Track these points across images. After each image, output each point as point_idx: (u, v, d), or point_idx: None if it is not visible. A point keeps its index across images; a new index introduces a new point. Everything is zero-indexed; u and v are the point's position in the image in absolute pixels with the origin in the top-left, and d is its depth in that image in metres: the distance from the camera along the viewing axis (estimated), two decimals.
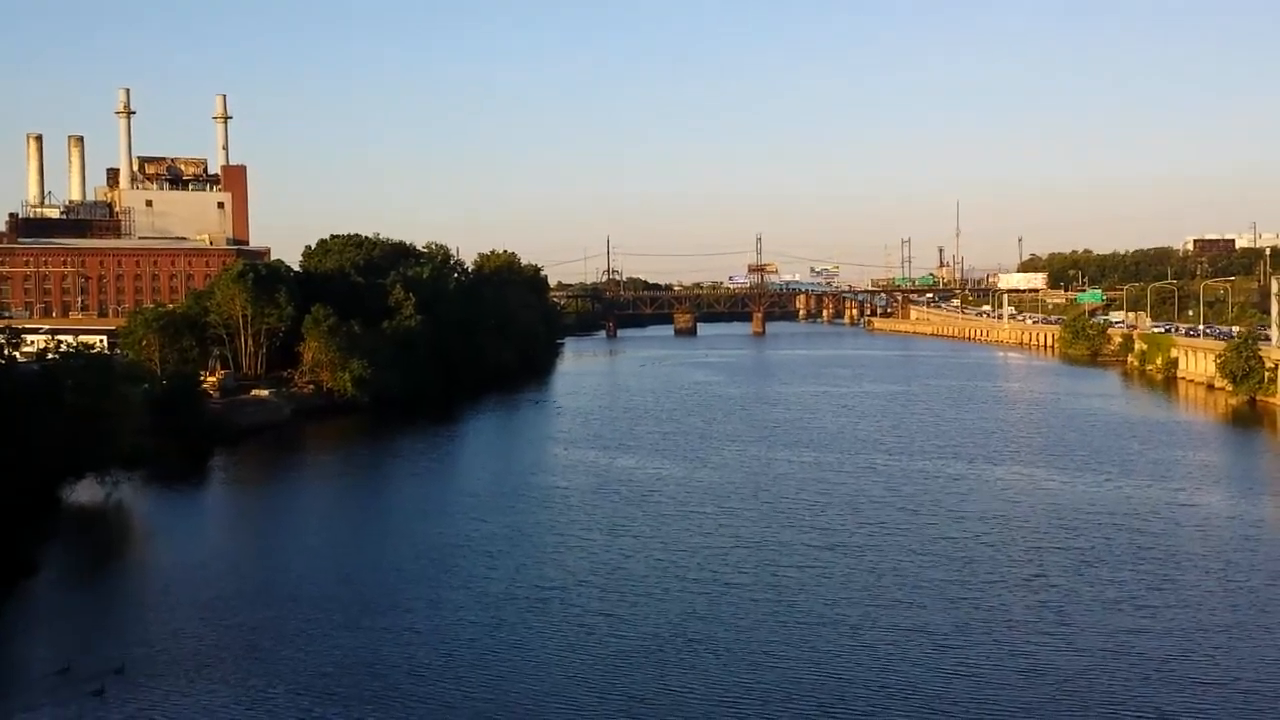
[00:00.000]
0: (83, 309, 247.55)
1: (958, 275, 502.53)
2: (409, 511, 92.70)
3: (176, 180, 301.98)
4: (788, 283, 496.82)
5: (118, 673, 52.09)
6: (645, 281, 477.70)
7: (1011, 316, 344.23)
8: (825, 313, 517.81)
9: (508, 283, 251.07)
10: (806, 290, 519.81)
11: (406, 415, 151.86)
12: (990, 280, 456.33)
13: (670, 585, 66.91)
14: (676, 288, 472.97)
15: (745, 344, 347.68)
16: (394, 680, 51.29)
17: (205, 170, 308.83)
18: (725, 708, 48.07)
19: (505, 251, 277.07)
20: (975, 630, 57.96)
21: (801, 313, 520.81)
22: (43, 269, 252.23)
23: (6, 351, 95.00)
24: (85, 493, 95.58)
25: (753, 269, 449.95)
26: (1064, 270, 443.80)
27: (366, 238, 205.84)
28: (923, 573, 68.94)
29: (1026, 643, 55.96)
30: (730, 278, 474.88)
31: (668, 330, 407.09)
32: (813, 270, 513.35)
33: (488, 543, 78.55)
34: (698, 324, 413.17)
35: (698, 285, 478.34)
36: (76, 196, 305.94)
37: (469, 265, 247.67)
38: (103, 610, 65.17)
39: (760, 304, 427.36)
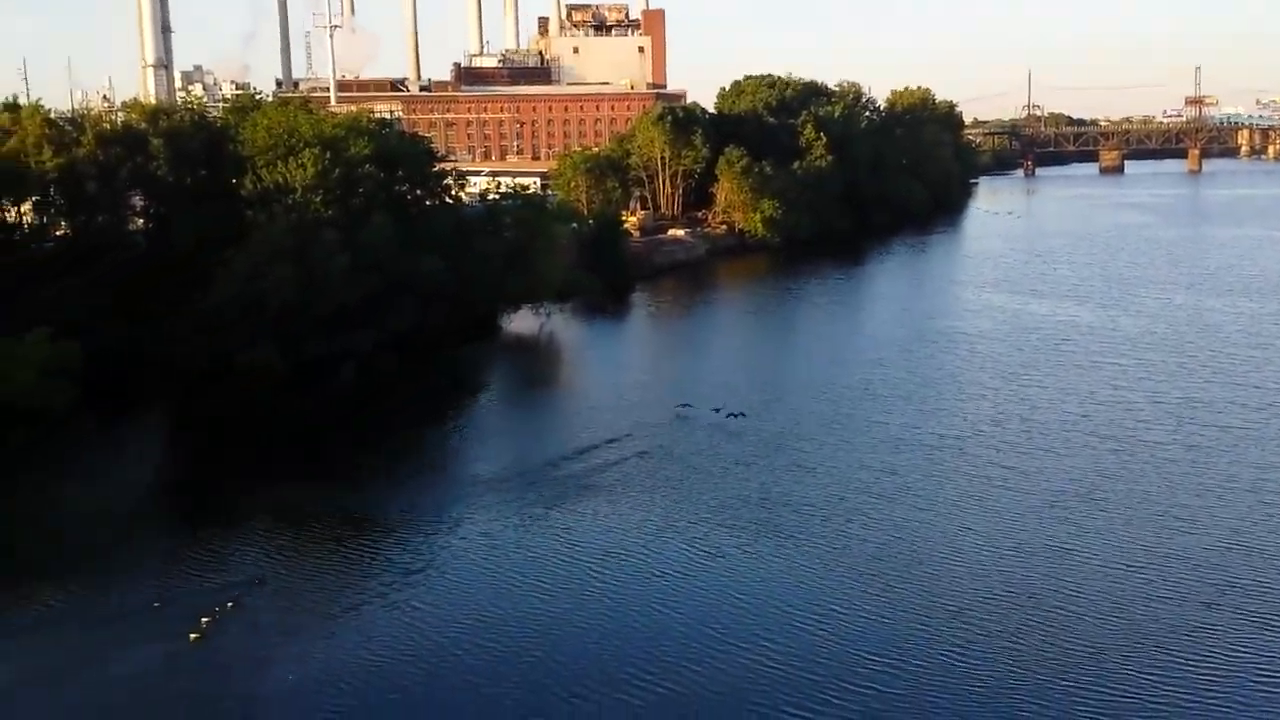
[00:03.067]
0: (517, 152, 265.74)
1: None
2: (812, 350, 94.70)
3: (600, 26, 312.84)
4: (1229, 116, 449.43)
5: (736, 415, 67.85)
6: (1068, 117, 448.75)
7: None
8: (1272, 149, 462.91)
9: (920, 121, 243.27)
10: (1250, 125, 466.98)
11: (815, 255, 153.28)
12: None
13: (1076, 440, 64.63)
14: (1102, 123, 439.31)
15: (1178, 183, 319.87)
16: (783, 516, 53.39)
17: (626, 16, 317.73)
18: (1130, 571, 46.22)
19: (919, 89, 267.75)
20: None
21: (1244, 149, 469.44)
22: (483, 115, 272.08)
23: (454, 192, 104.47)
24: (521, 321, 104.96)
25: (1190, 102, 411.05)
26: None
27: (779, 78, 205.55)
28: None
29: None
30: (1164, 112, 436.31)
31: (1091, 169, 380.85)
32: (1258, 102, 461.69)
33: (887, 386, 79.05)
34: (1125, 162, 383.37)
35: (1126, 120, 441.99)
36: (511, 46, 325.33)
37: (880, 104, 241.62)
38: (535, 427, 72.02)
39: (1197, 140, 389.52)
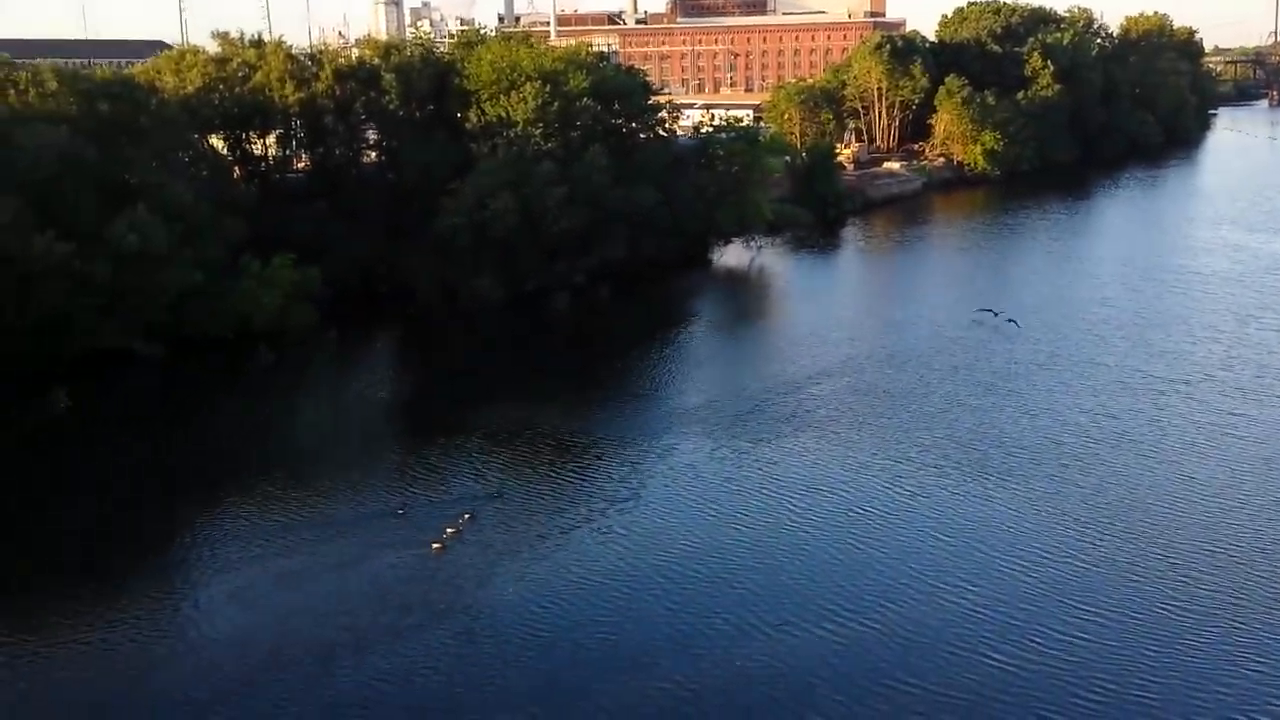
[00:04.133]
0: (731, 85, 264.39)
1: None
2: (1031, 287, 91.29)
3: None
4: None
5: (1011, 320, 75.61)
6: None
7: None
8: None
9: (1156, 49, 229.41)
10: None
11: (1038, 189, 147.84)
12: None
13: None
14: None
15: None
16: (995, 458, 52.75)
17: None
18: None
19: (1155, 14, 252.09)
20: None
21: None
22: (697, 47, 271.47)
23: (669, 125, 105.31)
24: (732, 254, 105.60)
25: None
26: None
27: (1005, 3, 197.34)
28: None
29: None
30: None
31: None
32: None
33: (1111, 326, 76.28)
34: None
35: None
36: None
37: (1113, 30, 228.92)
38: (744, 358, 72.78)
39: None
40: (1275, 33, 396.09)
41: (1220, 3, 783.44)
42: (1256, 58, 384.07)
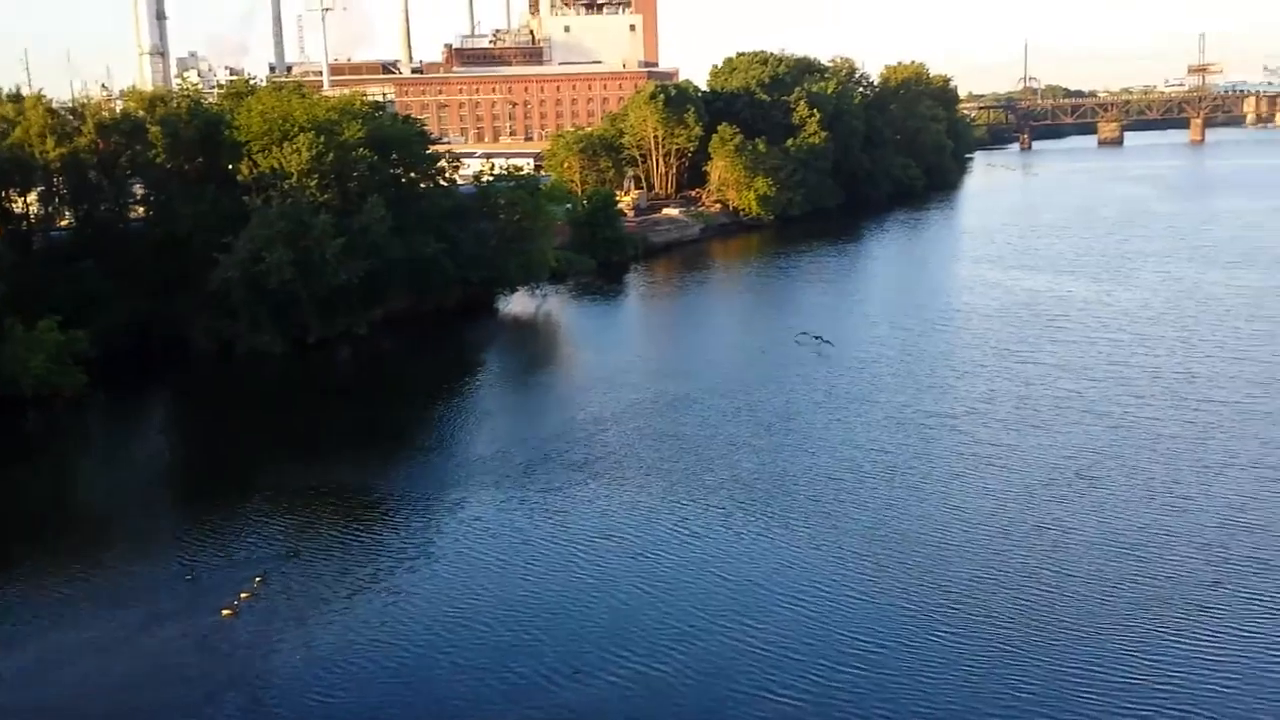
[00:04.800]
0: (510, 133, 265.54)
1: None
2: (803, 328, 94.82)
3: (591, 4, 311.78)
4: (1234, 84, 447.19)
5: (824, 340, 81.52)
6: (1065, 89, 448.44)
7: None
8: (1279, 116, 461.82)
9: (914, 96, 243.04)
10: (1257, 92, 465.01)
11: (809, 233, 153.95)
12: None
13: (1071, 417, 64.81)
14: (1101, 94, 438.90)
15: (1180, 154, 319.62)
16: (774, 496, 54.13)
17: None
18: (1127, 551, 45.81)
19: (913, 64, 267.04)
20: None
21: (1250, 118, 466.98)
22: (475, 96, 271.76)
23: (448, 174, 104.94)
24: (517, 302, 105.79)
25: (1193, 70, 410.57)
26: None
27: (771, 54, 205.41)
28: None
29: None
30: (1165, 81, 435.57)
31: (1089, 141, 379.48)
32: (1265, 69, 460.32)
33: (879, 363, 79.72)
34: (1124, 133, 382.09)
35: (1126, 91, 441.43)
36: (502, 26, 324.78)
37: (874, 79, 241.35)
38: (530, 407, 72.81)
39: (1200, 109, 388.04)
40: (1025, 78, 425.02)
41: (973, 51, 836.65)
42: (1008, 103, 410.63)
